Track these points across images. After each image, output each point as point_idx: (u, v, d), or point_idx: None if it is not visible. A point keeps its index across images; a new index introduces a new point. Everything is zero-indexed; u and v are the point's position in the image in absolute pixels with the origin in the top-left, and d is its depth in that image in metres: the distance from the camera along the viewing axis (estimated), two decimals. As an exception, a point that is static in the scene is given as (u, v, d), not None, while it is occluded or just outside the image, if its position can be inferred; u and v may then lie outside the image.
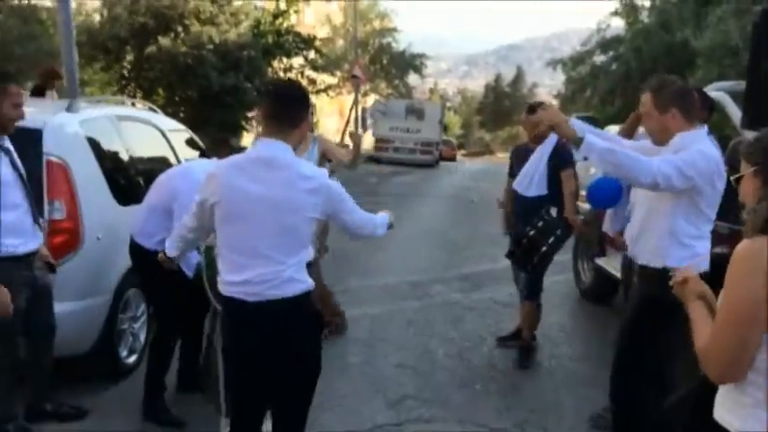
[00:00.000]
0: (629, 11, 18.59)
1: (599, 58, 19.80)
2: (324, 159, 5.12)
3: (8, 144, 3.47)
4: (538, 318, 5.10)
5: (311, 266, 2.79)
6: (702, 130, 3.10)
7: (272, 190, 2.47)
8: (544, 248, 4.73)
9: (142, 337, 4.69)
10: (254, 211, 2.48)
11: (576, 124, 3.12)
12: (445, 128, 31.96)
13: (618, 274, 5.56)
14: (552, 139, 4.90)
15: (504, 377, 4.78)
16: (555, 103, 30.46)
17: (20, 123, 3.50)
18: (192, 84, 14.89)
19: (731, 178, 1.92)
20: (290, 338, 2.55)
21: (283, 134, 2.54)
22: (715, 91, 4.47)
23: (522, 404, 4.33)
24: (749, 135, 3.94)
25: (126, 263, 4.34)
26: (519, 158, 5.12)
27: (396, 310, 6.21)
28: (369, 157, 23.28)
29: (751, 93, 3.57)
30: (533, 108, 4.98)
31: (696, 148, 2.97)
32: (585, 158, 2.94)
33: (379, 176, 18.45)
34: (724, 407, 1.81)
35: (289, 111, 2.57)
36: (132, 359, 4.55)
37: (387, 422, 4.00)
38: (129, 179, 4.80)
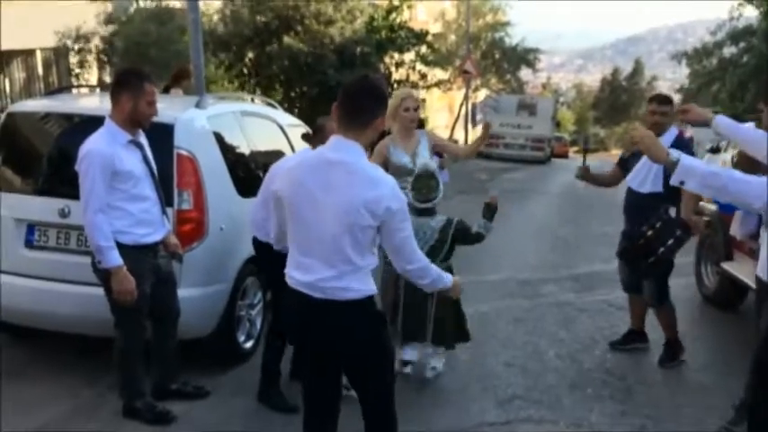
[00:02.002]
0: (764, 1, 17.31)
1: (729, 50, 18.55)
2: (433, 154, 5.08)
3: (142, 139, 3.73)
4: (674, 318, 4.91)
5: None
6: None
7: (335, 192, 2.43)
8: (661, 250, 4.51)
9: (258, 324, 4.89)
10: (315, 212, 2.46)
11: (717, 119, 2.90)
12: (558, 124, 31.10)
13: (747, 281, 5.23)
14: (672, 131, 4.67)
15: (617, 381, 4.61)
16: (677, 97, 28.81)
17: (153, 119, 3.75)
18: (309, 80, 15.31)
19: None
20: (351, 340, 2.55)
21: (355, 132, 2.48)
22: None
23: (638, 410, 4.16)
24: None
25: (245, 252, 4.56)
26: (636, 152, 4.89)
27: (504, 308, 6.13)
28: (478, 153, 23.02)
29: None
30: (664, 99, 4.81)
31: None
32: (682, 183, 2.66)
33: (489, 172, 18.22)
34: None
35: (361, 108, 2.49)
36: (249, 344, 4.76)
37: (496, 420, 3.97)
38: (250, 172, 5.01)
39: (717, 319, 6.00)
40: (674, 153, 2.70)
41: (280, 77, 16.02)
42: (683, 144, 4.51)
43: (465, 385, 4.44)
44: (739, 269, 5.59)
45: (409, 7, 18.44)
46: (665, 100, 4.78)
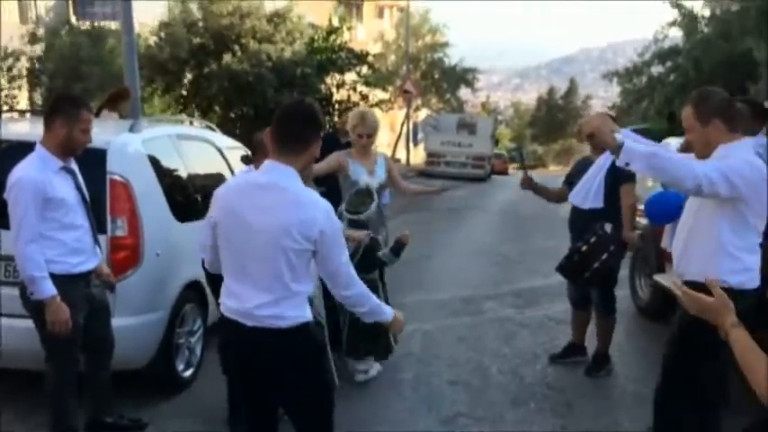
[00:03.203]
0: (688, 21, 18.15)
1: (656, 69, 19.38)
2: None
3: (73, 166, 3.62)
4: (613, 331, 5.11)
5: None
6: (747, 141, 3.03)
7: (268, 216, 2.38)
8: (596, 264, 4.68)
9: (198, 351, 4.79)
10: (248, 237, 2.41)
11: (622, 133, 3.07)
12: (497, 141, 31.68)
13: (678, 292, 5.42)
14: (612, 150, 4.83)
15: (558, 395, 4.69)
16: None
17: (85, 144, 3.65)
18: (248, 101, 15.21)
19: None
20: (287, 370, 2.48)
21: (289, 157, 2.44)
22: (778, 103, 4.33)
23: (578, 424, 4.24)
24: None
25: (183, 278, 4.48)
26: (579, 169, 5.04)
27: (448, 326, 6.17)
28: (420, 172, 23.26)
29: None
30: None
31: (741, 157, 2.90)
32: (627, 164, 2.84)
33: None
34: None
35: (295, 134, 2.45)
36: (189, 372, 4.65)
37: (440, 440, 3.98)
38: (187, 196, 4.93)
39: (651, 331, 6.18)
40: (619, 137, 2.89)
41: (219, 99, 15.87)
42: None
43: (411, 405, 4.44)
44: (670, 281, 5.78)
45: (349, 29, 18.58)
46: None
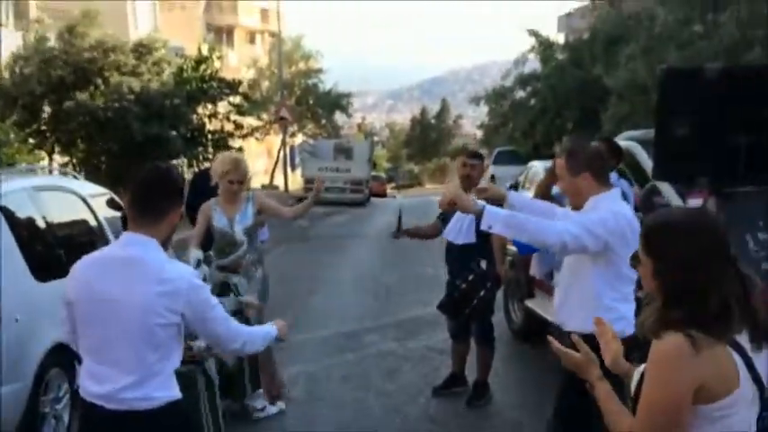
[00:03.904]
0: (544, 49, 19.38)
1: (518, 94, 20.51)
2: (259, 215, 5.06)
3: None
4: (492, 359, 5.27)
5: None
6: (615, 192, 3.19)
7: (128, 292, 2.27)
8: (475, 301, 4.89)
9: (66, 419, 4.49)
10: (108, 315, 2.28)
11: (479, 203, 3.07)
12: (374, 165, 32.23)
13: (547, 316, 5.71)
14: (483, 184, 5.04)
15: (441, 430, 4.79)
16: (479, 133, 31.22)
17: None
18: (113, 135, 14.57)
19: (629, 258, 1.98)
20: None
21: (148, 227, 2.35)
22: (626, 140, 4.71)
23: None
24: (662, 185, 4.17)
25: (47, 342, 4.21)
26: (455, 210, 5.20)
27: (332, 365, 6.15)
28: (299, 198, 23.18)
29: (659, 148, 3.77)
30: (474, 154, 5.19)
31: (607, 208, 3.04)
32: (490, 227, 2.94)
33: (309, 218, 18.32)
34: None
35: (152, 204, 2.37)
36: (57, 442, 4.35)
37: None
38: (49, 252, 4.65)
39: (526, 355, 6.46)
40: (480, 203, 3.00)
41: (80, 134, 15.09)
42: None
43: (296, 455, 4.38)
44: (540, 306, 6.09)
45: (219, 57, 18.29)
46: (474, 155, 5.19)
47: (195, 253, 4.25)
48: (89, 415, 2.37)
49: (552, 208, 3.52)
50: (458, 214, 5.08)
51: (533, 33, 19.52)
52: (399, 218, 5.15)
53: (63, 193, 5.26)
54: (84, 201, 5.45)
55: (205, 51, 17.60)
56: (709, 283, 1.74)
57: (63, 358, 4.47)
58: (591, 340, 2.94)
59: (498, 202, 3.31)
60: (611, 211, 3.04)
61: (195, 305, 2.34)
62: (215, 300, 2.45)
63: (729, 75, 3.63)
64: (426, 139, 69.68)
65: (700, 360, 1.68)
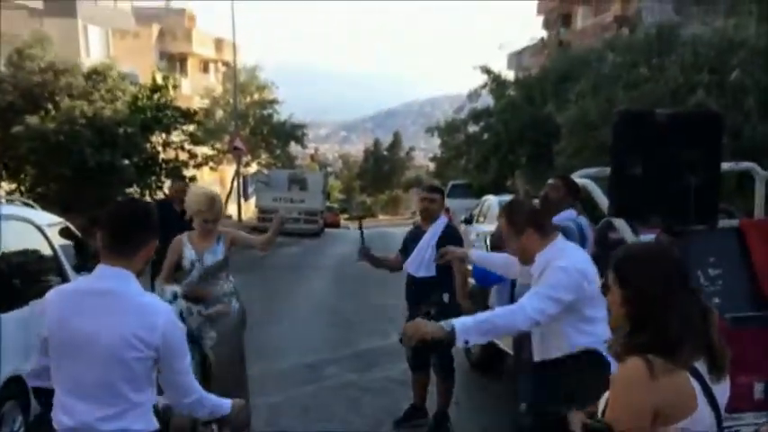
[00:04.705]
0: (496, 85, 19.91)
1: (472, 128, 20.96)
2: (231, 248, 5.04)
3: None
4: (453, 389, 5.34)
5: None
6: (558, 243, 3.22)
7: (104, 324, 2.27)
8: None
9: (23, 452, 4.37)
10: (84, 348, 2.27)
11: (446, 325, 2.98)
12: (328, 195, 32.30)
13: (505, 348, 5.82)
14: (442, 220, 5.16)
15: (404, 461, 4.83)
16: (431, 166, 31.58)
17: None
18: (64, 161, 14.27)
19: (599, 285, 2.10)
20: None
21: (124, 260, 2.35)
22: (581, 178, 4.90)
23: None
24: (617, 221, 4.35)
25: (2, 375, 4.11)
26: (412, 239, 5.29)
27: (294, 397, 6.13)
28: (252, 228, 23.03)
29: (615, 186, 3.95)
30: (433, 188, 5.36)
31: (556, 267, 3.06)
32: (467, 342, 2.93)
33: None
34: None
35: (128, 236, 2.38)
36: (13, 479, 4.23)
37: None
38: (3, 283, 4.55)
39: (485, 385, 6.57)
40: (447, 324, 2.92)
41: (30, 159, 14.75)
42: (451, 231, 5.02)
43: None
44: (498, 337, 6.20)
45: (174, 87, 18.20)
46: (434, 189, 5.34)
47: (170, 288, 4.22)
48: None
49: (510, 258, 3.61)
50: (418, 247, 5.18)
51: (485, 70, 20.04)
52: (362, 232, 5.16)
53: (18, 222, 5.17)
54: (40, 230, 5.36)
55: (160, 80, 17.49)
56: (669, 309, 1.87)
57: (18, 391, 4.38)
58: (557, 364, 3.08)
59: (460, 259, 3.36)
60: (560, 268, 3.05)
61: (169, 342, 2.33)
62: (186, 348, 2.44)
63: (678, 119, 3.86)
64: (379, 170, 70.20)
65: (657, 385, 1.81)
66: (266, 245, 5.34)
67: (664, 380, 1.81)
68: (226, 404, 2.61)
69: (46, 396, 3.70)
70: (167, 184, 17.76)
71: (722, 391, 1.91)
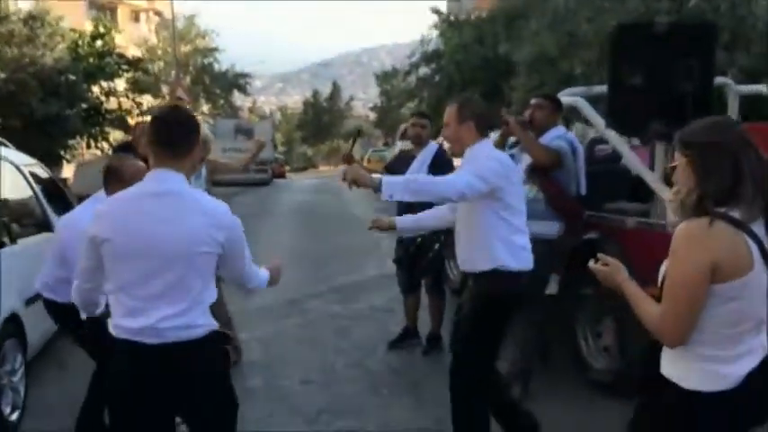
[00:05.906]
0: (446, 29, 19.85)
1: (423, 71, 20.93)
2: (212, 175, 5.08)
3: None
4: (444, 309, 5.45)
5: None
6: (488, 141, 3.45)
7: (170, 224, 2.31)
8: (430, 254, 5.11)
9: (22, 391, 4.31)
10: (149, 250, 2.30)
11: (375, 177, 3.12)
12: (275, 146, 31.92)
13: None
14: (432, 146, 5.21)
15: (406, 378, 4.97)
16: (372, 115, 31.37)
17: None
18: (13, 111, 13.57)
19: (666, 167, 2.21)
20: (196, 382, 2.39)
21: (175, 163, 2.38)
22: (569, 96, 5.00)
23: (434, 401, 4.51)
24: (611, 134, 4.49)
25: (1, 313, 4.03)
26: (403, 163, 5.31)
27: (281, 330, 6.19)
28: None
29: (613, 98, 4.07)
30: (422, 114, 5.73)
31: (485, 155, 3.32)
32: (391, 196, 3.03)
33: (218, 199, 18.02)
34: (671, 364, 2.10)
35: (177, 140, 2.40)
36: (15, 415, 4.19)
37: (310, 438, 4.02)
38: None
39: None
40: (377, 176, 3.10)
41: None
42: (443, 157, 5.06)
43: (269, 410, 4.41)
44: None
45: (119, 32, 17.45)
46: (423, 115, 5.49)
47: None
48: (127, 354, 2.35)
49: (439, 210, 3.72)
50: (411, 169, 5.19)
51: (435, 11, 19.95)
52: (354, 139, 5.05)
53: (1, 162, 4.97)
54: (19, 170, 5.19)
55: (102, 28, 16.71)
56: (733, 158, 1.96)
57: (16, 329, 4.30)
58: (494, 274, 3.24)
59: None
60: (489, 156, 3.32)
61: (234, 240, 2.41)
62: (245, 241, 2.51)
63: (676, 29, 3.98)
64: (319, 121, 69.51)
65: (715, 239, 1.93)
66: (245, 166, 5.70)
67: (723, 237, 1.93)
68: (265, 274, 2.75)
69: (57, 312, 3.68)
70: (113, 135, 17.25)
71: None
